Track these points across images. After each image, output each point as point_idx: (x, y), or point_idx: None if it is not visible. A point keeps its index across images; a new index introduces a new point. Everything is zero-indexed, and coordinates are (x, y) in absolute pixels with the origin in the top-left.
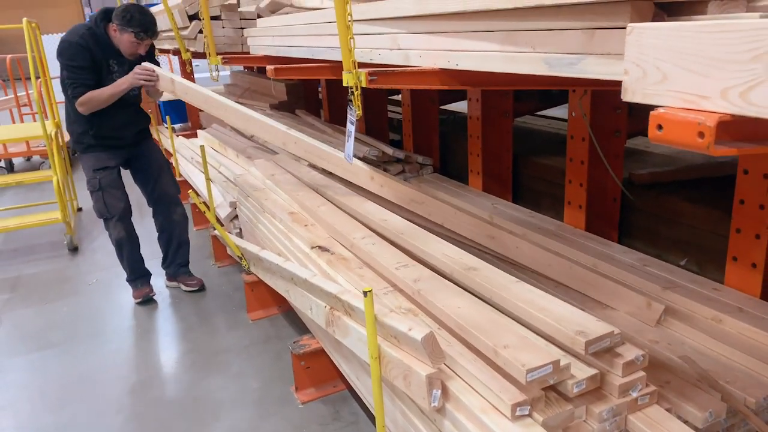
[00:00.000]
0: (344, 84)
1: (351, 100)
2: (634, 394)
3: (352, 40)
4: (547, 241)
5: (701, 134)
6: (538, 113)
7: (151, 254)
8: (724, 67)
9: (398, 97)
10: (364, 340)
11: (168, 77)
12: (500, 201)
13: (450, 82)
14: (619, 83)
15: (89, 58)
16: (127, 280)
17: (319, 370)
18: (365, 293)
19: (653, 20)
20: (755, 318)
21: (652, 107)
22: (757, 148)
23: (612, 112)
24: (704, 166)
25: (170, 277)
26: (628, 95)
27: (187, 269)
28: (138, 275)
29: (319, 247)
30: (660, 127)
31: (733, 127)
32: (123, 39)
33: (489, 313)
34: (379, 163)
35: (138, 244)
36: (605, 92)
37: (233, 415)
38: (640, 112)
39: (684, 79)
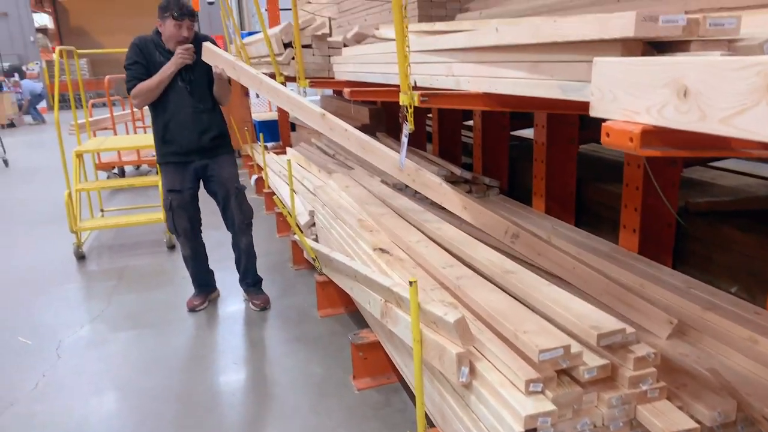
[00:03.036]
0: (400, 103)
1: (406, 117)
2: (644, 387)
3: (409, 66)
4: (598, 261)
5: (631, 139)
6: None
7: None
8: (647, 91)
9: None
10: (409, 326)
11: (230, 60)
12: (561, 223)
13: (489, 104)
14: None
15: (139, 53)
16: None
17: (374, 362)
18: (411, 283)
19: (642, 55)
20: None
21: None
22: (676, 152)
23: None
24: (763, 198)
25: (244, 291)
26: (593, 112)
27: (256, 287)
28: (197, 284)
29: (381, 249)
30: (608, 134)
31: (655, 135)
32: (167, 29)
33: (517, 306)
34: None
35: (203, 259)
36: None
37: (297, 392)
38: None
39: (626, 99)
